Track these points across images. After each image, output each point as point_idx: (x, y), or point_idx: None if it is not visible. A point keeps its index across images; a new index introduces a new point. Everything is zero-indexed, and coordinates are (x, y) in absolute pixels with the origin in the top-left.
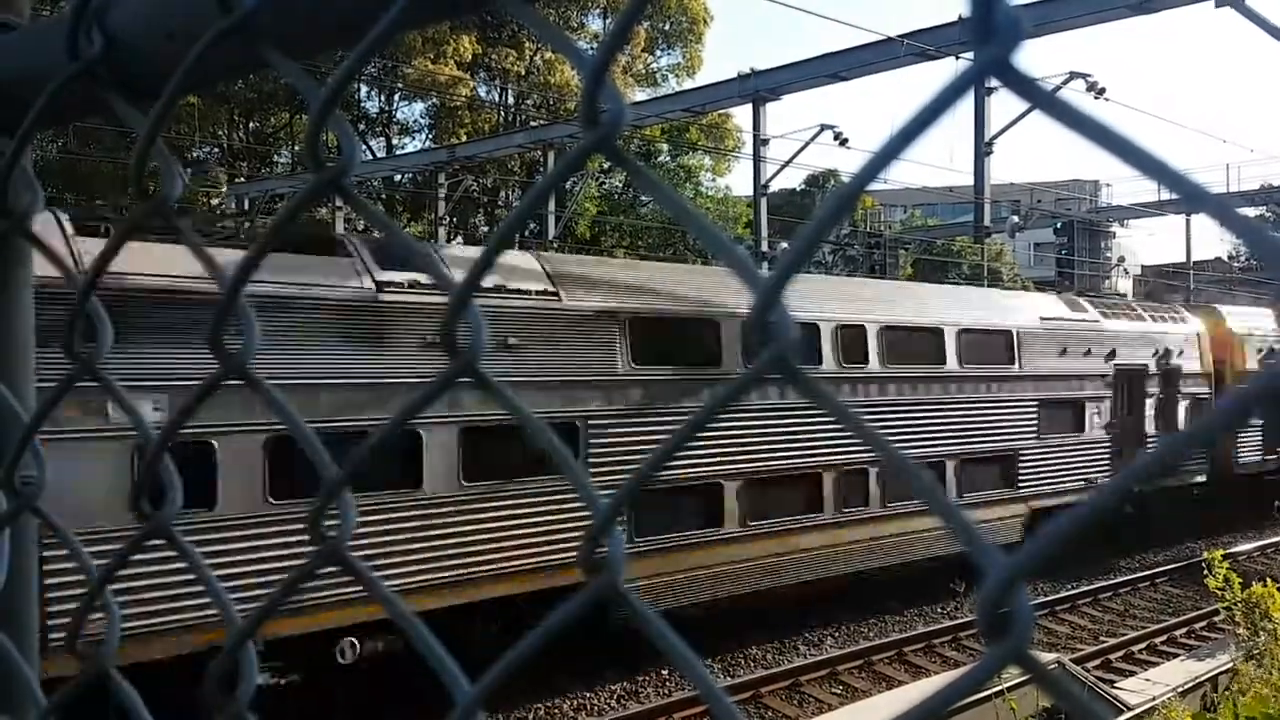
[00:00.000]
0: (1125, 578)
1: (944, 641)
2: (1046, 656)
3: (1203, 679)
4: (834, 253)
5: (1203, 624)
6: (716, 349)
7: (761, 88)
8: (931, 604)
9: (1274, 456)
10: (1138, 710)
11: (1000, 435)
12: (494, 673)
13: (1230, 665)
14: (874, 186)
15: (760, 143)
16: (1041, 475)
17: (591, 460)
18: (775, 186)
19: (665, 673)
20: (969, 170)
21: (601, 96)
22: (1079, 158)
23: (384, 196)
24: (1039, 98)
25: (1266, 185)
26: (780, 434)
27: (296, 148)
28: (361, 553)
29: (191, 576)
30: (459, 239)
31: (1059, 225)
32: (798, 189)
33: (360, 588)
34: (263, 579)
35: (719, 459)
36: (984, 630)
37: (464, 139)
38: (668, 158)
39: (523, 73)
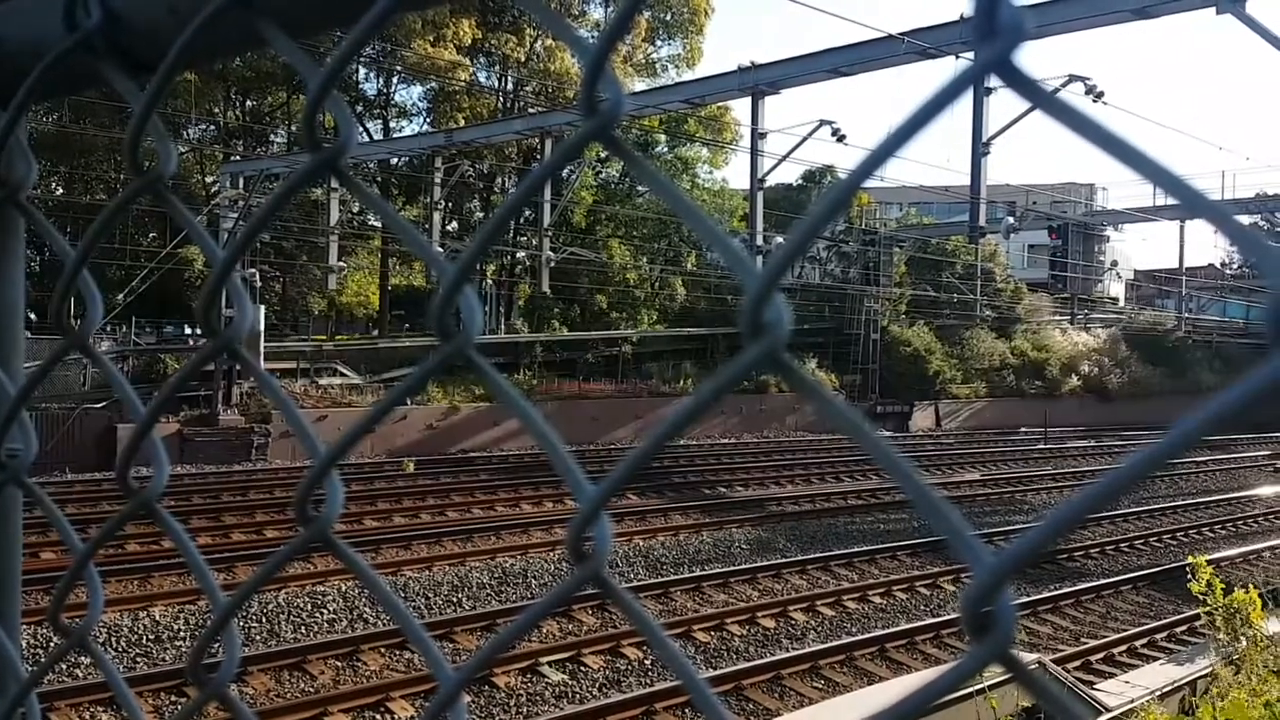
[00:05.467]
0: (1108, 580)
1: (927, 639)
2: (1028, 656)
3: (1182, 683)
4: (829, 249)
5: (1183, 628)
6: None
7: (761, 81)
8: (915, 600)
9: None
10: (1116, 712)
11: None
12: (477, 658)
13: (1210, 670)
14: (870, 184)
15: (758, 136)
16: None
17: None
18: (772, 181)
19: (648, 662)
20: (965, 170)
21: (601, 85)
22: (1075, 161)
23: (380, 179)
24: (1039, 98)
25: (1261, 193)
26: None
27: (293, 127)
28: None
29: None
30: (454, 224)
31: (1054, 226)
32: (794, 184)
33: None
34: None
35: None
36: (967, 628)
37: (462, 123)
38: (665, 148)
39: (522, 59)
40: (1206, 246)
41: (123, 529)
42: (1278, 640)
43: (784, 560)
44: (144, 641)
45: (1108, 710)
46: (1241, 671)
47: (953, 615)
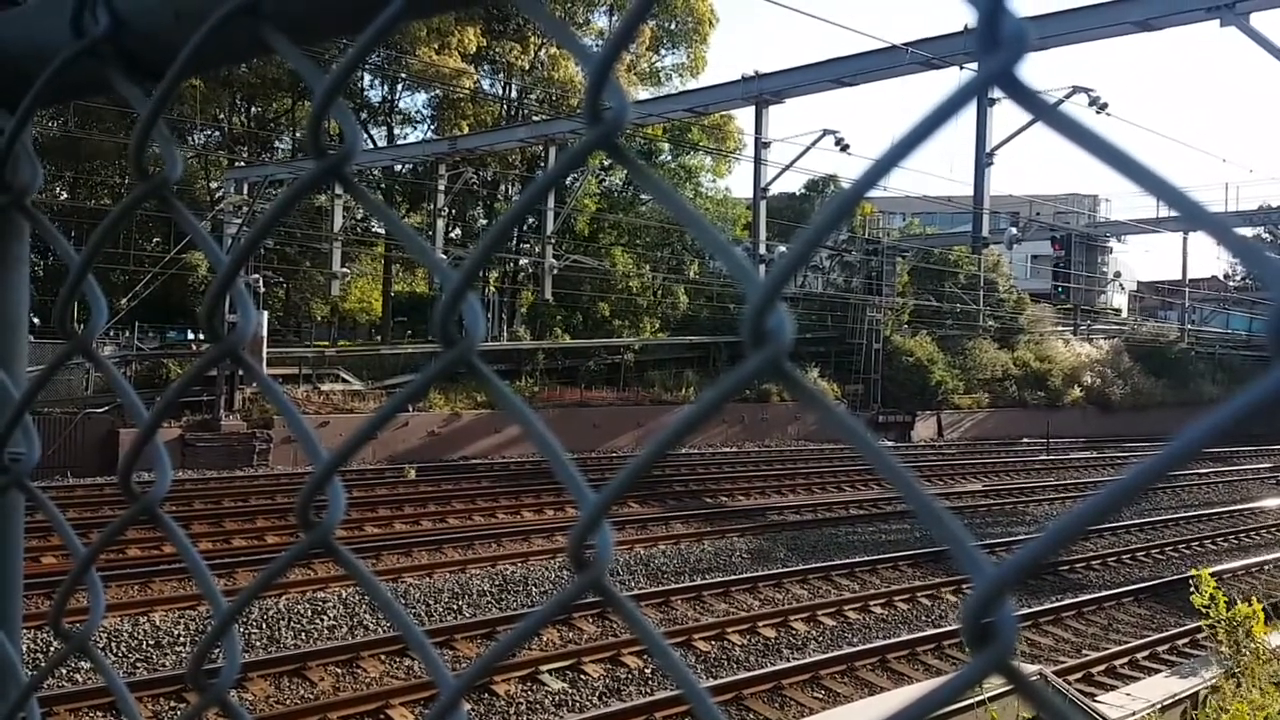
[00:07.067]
0: (1110, 591)
1: (928, 649)
2: (1029, 667)
3: (1183, 696)
4: (832, 258)
5: (1185, 641)
6: None
7: (765, 90)
8: (916, 610)
9: None
10: None
11: None
12: (478, 665)
13: (1212, 683)
14: (873, 193)
15: (761, 145)
16: None
17: None
18: (775, 190)
19: (649, 671)
20: (968, 180)
21: (605, 93)
22: (1078, 172)
23: (383, 186)
24: (1042, 109)
25: (1265, 206)
26: None
27: (298, 134)
28: None
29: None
30: (457, 231)
31: (1057, 237)
32: (798, 193)
33: None
34: None
35: None
36: (968, 639)
37: (466, 131)
38: (669, 157)
39: (527, 67)
40: (1209, 258)
41: (124, 533)
42: None
43: (785, 569)
44: (144, 646)
45: None
46: (1244, 685)
47: (954, 626)
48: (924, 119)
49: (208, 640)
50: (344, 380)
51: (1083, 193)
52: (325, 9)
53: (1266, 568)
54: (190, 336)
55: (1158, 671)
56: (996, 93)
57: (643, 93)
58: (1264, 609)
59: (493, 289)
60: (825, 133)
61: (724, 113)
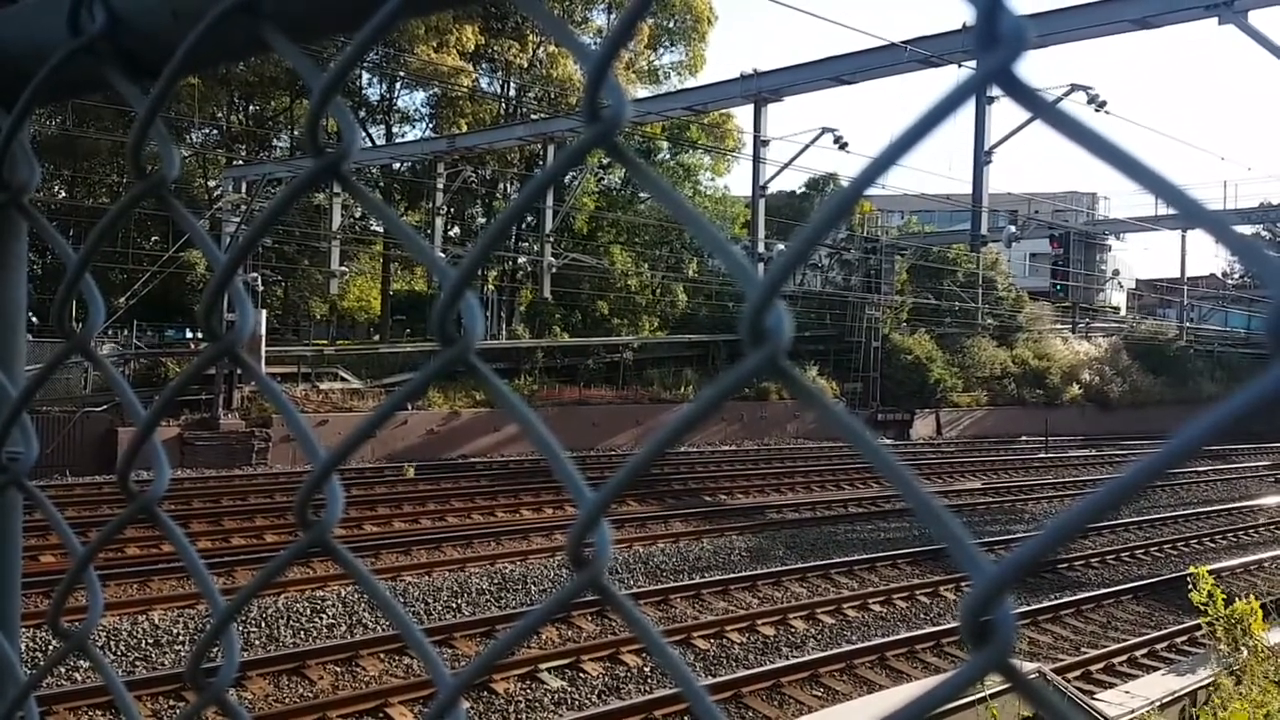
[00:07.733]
0: (1108, 589)
1: (927, 647)
2: (1028, 665)
3: (1182, 693)
4: (830, 256)
5: (1184, 638)
6: None
7: (764, 88)
8: (915, 608)
9: None
10: None
11: None
12: (477, 664)
13: (1210, 680)
14: (872, 192)
15: (760, 143)
16: None
17: None
18: (774, 188)
19: (648, 669)
20: (967, 178)
21: (603, 92)
22: (1077, 170)
23: (382, 184)
24: (1040, 107)
25: (1264, 204)
26: None
27: (296, 132)
28: None
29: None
30: (456, 229)
31: (1056, 235)
32: (797, 191)
33: None
34: None
35: None
36: (967, 637)
37: (464, 129)
38: (667, 155)
39: (525, 65)
40: (1208, 256)
41: (123, 532)
42: (1279, 651)
43: (784, 568)
44: (143, 645)
45: None
46: (1243, 682)
47: (953, 624)
48: (922, 117)
49: (206, 639)
50: (343, 379)
51: (1081, 190)
52: (323, 6)
53: (1266, 565)
54: (189, 335)
55: (1156, 669)
56: (995, 90)
57: (641, 91)
58: (1262, 606)
59: (491, 287)
60: (824, 131)
61: (723, 111)
